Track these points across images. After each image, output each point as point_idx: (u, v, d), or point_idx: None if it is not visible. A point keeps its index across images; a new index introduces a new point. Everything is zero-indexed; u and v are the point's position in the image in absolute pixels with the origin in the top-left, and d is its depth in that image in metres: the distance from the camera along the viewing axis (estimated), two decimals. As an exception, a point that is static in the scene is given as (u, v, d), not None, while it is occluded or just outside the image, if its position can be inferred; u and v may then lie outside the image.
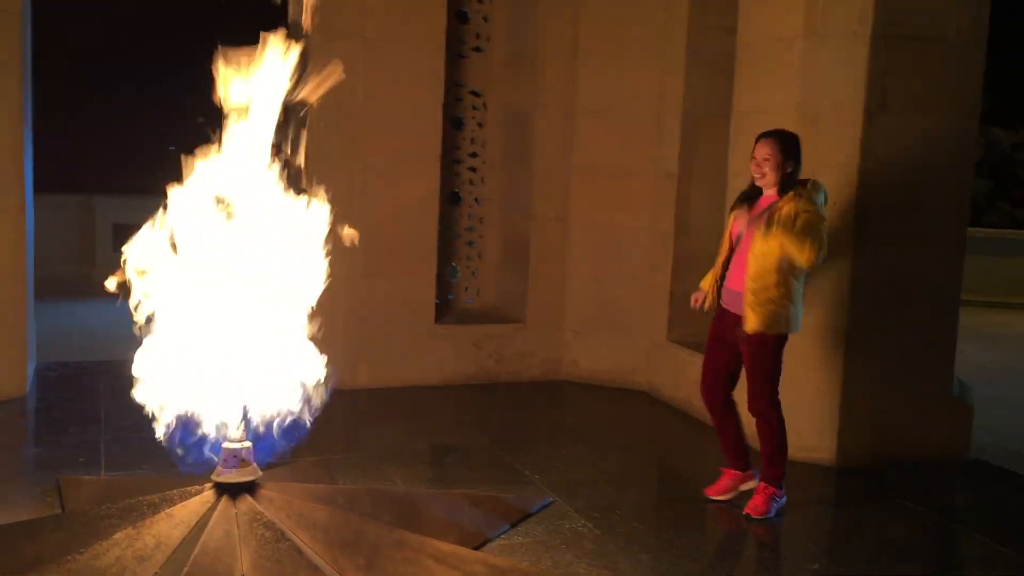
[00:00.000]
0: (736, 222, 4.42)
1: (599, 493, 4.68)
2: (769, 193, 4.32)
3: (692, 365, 6.15)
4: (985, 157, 16.80)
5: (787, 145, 4.26)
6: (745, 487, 4.62)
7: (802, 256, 4.11)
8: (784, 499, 4.49)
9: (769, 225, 4.16)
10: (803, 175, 4.34)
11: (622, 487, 4.83)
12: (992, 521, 4.67)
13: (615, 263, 6.73)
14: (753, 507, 4.42)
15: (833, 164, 5.11)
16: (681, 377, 6.30)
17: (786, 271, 4.24)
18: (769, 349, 4.35)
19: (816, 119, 5.14)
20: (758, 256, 4.23)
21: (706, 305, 4.53)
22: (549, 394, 6.68)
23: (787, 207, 4.19)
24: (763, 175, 4.24)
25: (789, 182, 4.26)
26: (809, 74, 5.15)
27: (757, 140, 4.32)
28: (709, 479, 4.83)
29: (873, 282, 5.22)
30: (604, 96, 6.63)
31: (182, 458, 3.65)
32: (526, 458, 5.16)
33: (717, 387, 4.57)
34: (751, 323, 4.26)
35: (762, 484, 4.47)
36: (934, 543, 4.47)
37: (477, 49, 7.02)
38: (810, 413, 5.23)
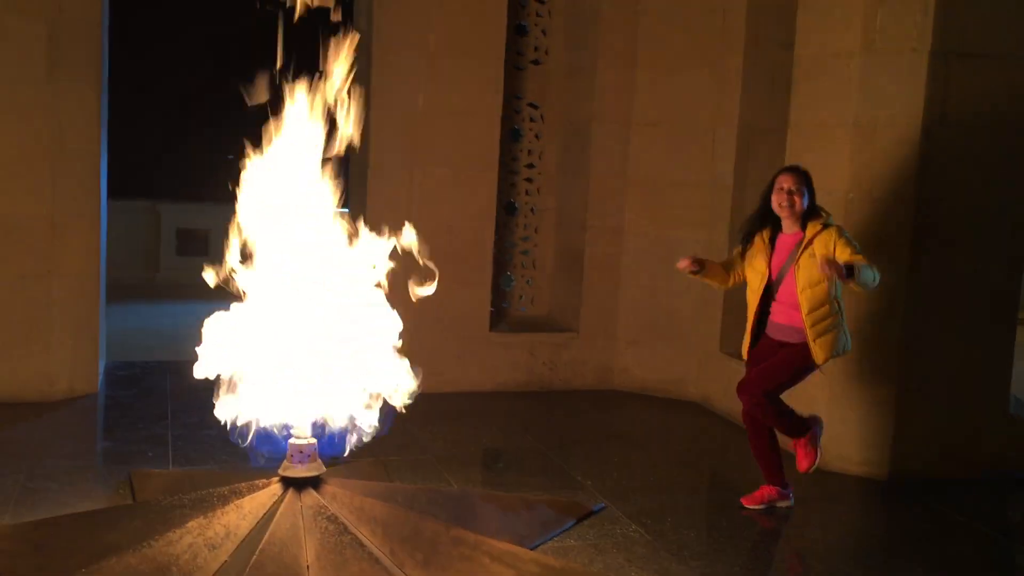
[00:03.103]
0: (775, 258, 4.53)
1: (651, 500, 4.75)
2: (791, 225, 4.47)
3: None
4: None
5: (808, 179, 4.47)
6: (781, 504, 4.73)
7: (867, 290, 4.36)
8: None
9: (812, 254, 4.36)
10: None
11: (674, 494, 4.89)
12: (1047, 538, 4.65)
13: (669, 274, 6.75)
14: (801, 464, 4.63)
15: (890, 179, 5.14)
16: (733, 389, 6.32)
17: (834, 296, 4.40)
18: (807, 366, 4.48)
19: (873, 134, 5.16)
20: (809, 288, 4.37)
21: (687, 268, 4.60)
22: (601, 402, 6.75)
23: (821, 238, 4.37)
24: (792, 204, 4.42)
25: (808, 213, 4.46)
26: (867, 89, 5.18)
27: (779, 174, 4.51)
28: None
29: (929, 297, 5.22)
30: (661, 108, 6.70)
31: (252, 452, 3.80)
32: (578, 464, 5.24)
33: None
34: (820, 356, 4.41)
35: (799, 441, 4.63)
36: (987, 559, 4.45)
37: (536, 62, 7.14)
38: (862, 427, 5.25)
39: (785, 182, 4.43)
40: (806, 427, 4.60)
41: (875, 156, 5.16)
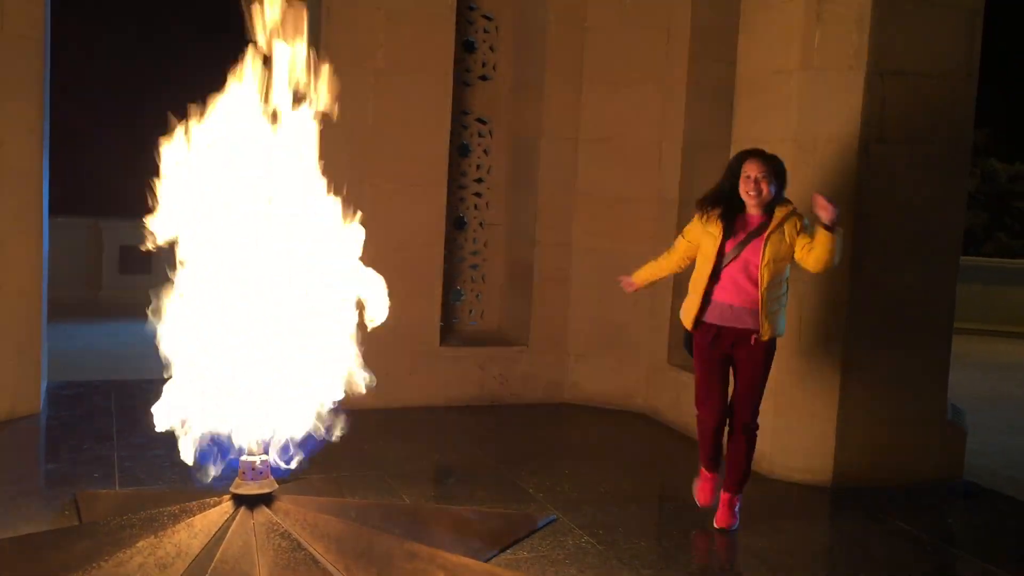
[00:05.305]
0: (731, 243, 4.44)
1: (602, 511, 4.80)
2: (754, 212, 4.41)
3: (692, 388, 6.27)
4: (983, 189, 17.00)
5: (775, 164, 4.39)
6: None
7: (830, 261, 4.32)
8: None
9: (782, 235, 4.36)
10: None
11: (624, 505, 4.94)
12: (984, 542, 4.80)
13: (617, 288, 6.83)
14: (728, 522, 4.62)
15: (830, 193, 5.25)
16: (681, 400, 6.42)
17: (786, 277, 4.47)
18: (772, 353, 4.52)
19: (814, 149, 5.30)
20: (772, 265, 4.36)
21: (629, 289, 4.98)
22: (551, 416, 6.80)
23: (791, 220, 4.38)
24: (760, 192, 4.33)
25: (774, 200, 4.41)
26: (806, 106, 5.32)
27: (744, 159, 4.39)
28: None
29: (869, 308, 5.36)
30: (607, 124, 6.80)
31: (201, 471, 3.76)
32: (529, 477, 5.28)
33: (724, 409, 4.65)
34: (768, 331, 4.41)
35: (735, 498, 4.65)
36: (928, 563, 4.57)
37: (484, 78, 7.20)
38: (806, 436, 5.36)
39: (752, 170, 4.31)
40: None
41: (815, 172, 5.30)
